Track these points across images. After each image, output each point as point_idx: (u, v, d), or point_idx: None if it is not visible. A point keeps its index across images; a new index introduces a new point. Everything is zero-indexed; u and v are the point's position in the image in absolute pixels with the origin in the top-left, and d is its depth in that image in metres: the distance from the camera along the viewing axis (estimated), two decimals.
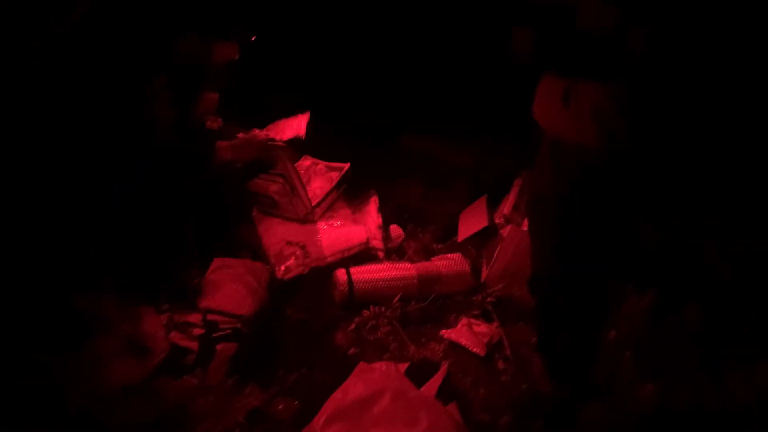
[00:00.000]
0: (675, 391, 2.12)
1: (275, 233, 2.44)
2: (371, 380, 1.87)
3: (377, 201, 2.75)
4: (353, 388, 1.84)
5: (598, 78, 1.39)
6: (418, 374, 2.01)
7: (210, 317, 1.97)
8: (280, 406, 1.86)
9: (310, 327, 2.27)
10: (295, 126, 2.41)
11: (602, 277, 1.86)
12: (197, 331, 1.92)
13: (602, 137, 1.44)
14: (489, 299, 2.50)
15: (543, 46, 1.41)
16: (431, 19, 2.99)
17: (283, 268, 2.33)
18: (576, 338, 2.00)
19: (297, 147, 2.67)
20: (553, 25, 1.36)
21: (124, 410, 1.71)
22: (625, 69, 1.34)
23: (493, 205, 2.88)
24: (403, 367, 2.03)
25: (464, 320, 2.40)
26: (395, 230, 2.74)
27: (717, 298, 2.38)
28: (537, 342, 2.14)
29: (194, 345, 1.89)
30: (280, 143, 2.36)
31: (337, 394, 1.82)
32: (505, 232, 2.65)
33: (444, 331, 2.33)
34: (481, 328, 2.37)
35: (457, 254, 2.60)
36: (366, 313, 2.30)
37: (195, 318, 1.96)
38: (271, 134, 2.38)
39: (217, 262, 2.19)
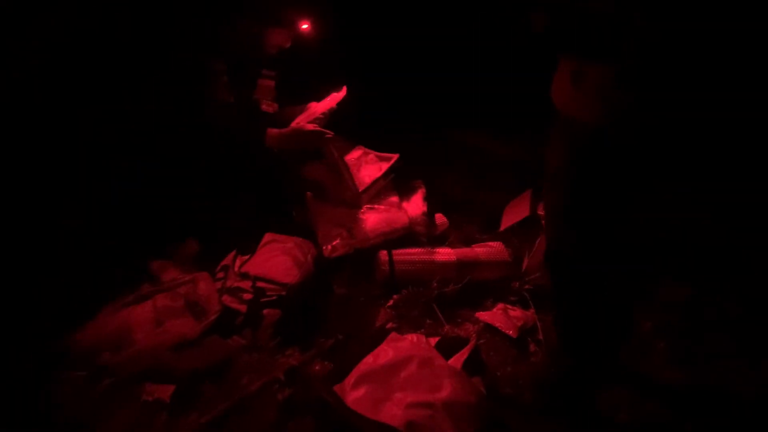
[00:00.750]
0: (707, 378, 2.14)
1: (324, 216, 2.63)
2: (401, 348, 2.00)
3: (424, 190, 2.88)
4: (383, 354, 1.98)
5: (603, 59, 1.49)
6: (448, 348, 2.12)
7: (259, 284, 2.17)
8: (317, 367, 2.03)
9: (351, 302, 2.43)
10: (330, 100, 2.57)
11: (617, 253, 1.89)
12: (246, 296, 2.12)
13: (606, 114, 1.54)
14: (527, 287, 2.58)
15: (555, 30, 1.52)
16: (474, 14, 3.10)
17: (329, 247, 2.51)
18: (606, 325, 2.07)
19: (347, 136, 2.84)
20: (562, 8, 1.46)
21: (180, 359, 1.92)
22: (628, 51, 1.43)
23: (539, 199, 2.95)
24: (434, 340, 2.16)
25: (501, 305, 2.49)
26: (440, 218, 2.86)
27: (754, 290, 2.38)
28: (553, 319, 2.19)
29: (243, 308, 2.10)
30: (328, 134, 2.52)
31: (368, 359, 1.97)
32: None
33: (479, 313, 2.43)
34: (517, 313, 2.45)
35: (498, 243, 2.70)
36: (405, 292, 2.44)
37: (245, 285, 2.17)
38: (311, 110, 2.54)
39: (268, 236, 2.40)
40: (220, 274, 2.26)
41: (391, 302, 2.43)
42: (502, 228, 2.84)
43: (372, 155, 2.87)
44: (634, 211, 1.79)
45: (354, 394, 1.87)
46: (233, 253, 2.35)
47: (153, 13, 2.36)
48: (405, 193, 2.86)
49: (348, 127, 2.78)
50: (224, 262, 2.32)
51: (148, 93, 2.36)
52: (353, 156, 2.83)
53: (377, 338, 2.09)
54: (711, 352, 2.27)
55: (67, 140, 2.01)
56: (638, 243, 2.25)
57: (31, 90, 1.89)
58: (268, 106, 2.66)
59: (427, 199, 2.88)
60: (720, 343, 2.30)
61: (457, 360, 2.06)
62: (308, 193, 2.71)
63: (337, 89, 2.61)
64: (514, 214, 2.86)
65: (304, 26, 2.60)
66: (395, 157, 2.82)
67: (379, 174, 2.74)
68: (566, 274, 1.92)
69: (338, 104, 2.58)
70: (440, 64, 3.51)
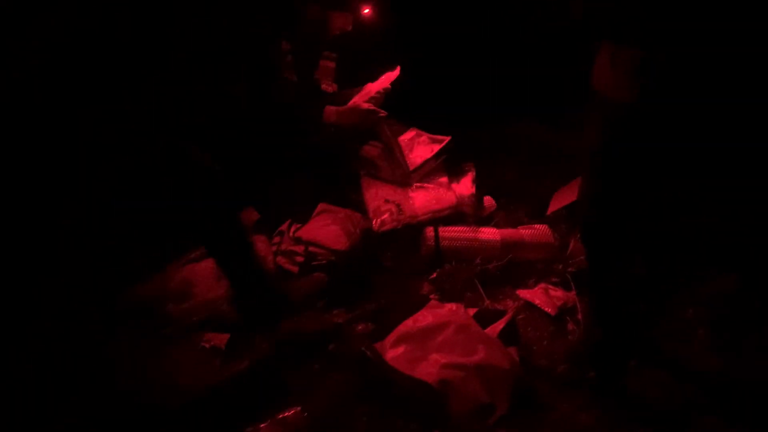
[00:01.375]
0: (745, 368, 2.14)
1: (375, 192, 2.76)
2: (439, 314, 2.12)
3: (474, 173, 2.97)
4: (423, 318, 2.10)
5: (634, 44, 1.59)
6: (485, 318, 2.21)
7: (311, 249, 2.33)
8: (360, 327, 2.17)
9: (395, 274, 2.56)
10: (384, 80, 2.70)
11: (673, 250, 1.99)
12: (299, 259, 2.29)
13: (636, 93, 1.63)
14: (570, 269, 2.63)
15: (592, 15, 1.63)
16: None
17: (378, 221, 2.64)
18: (649, 311, 2.12)
19: (401, 117, 2.96)
20: None
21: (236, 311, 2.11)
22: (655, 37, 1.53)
23: None
24: (472, 310, 2.25)
25: (542, 285, 2.56)
26: (488, 200, 2.94)
27: None
28: (589, 296, 2.24)
29: (295, 269, 2.26)
30: (382, 113, 2.64)
31: (408, 321, 2.09)
32: None
33: (520, 290, 2.51)
34: (558, 293, 2.51)
35: (544, 225, 2.76)
36: (447, 267, 2.54)
37: (299, 248, 2.34)
38: (366, 89, 2.67)
39: (321, 206, 2.56)
40: (276, 239, 2.44)
41: (434, 275, 2.53)
42: (549, 212, 2.90)
43: (425, 137, 2.98)
44: (667, 195, 1.84)
45: (392, 352, 2.00)
46: (289, 221, 2.51)
47: None
48: (455, 174, 2.95)
49: (403, 108, 2.89)
50: (280, 229, 2.49)
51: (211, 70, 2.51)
52: (406, 137, 2.94)
53: (418, 305, 2.21)
54: (753, 344, 2.26)
55: (68, 138, 2.02)
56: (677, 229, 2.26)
57: (31, 90, 1.89)
58: (327, 86, 2.81)
59: (477, 182, 2.97)
60: (764, 336, 2.28)
61: (493, 329, 2.15)
62: (361, 170, 2.85)
63: (392, 69, 2.73)
64: (562, 199, 2.91)
65: (366, 11, 2.73)
66: (447, 139, 2.92)
67: (430, 155, 2.85)
68: (600, 251, 1.97)
69: (392, 84, 2.70)
70: (493, 56, 3.56)
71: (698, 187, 2.46)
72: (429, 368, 1.94)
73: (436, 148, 2.88)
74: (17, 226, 1.90)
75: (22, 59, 1.87)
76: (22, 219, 1.91)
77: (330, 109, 2.62)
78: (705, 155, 1.90)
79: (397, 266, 2.61)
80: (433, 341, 2.02)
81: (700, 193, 2.31)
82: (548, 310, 2.40)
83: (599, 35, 1.69)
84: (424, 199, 2.71)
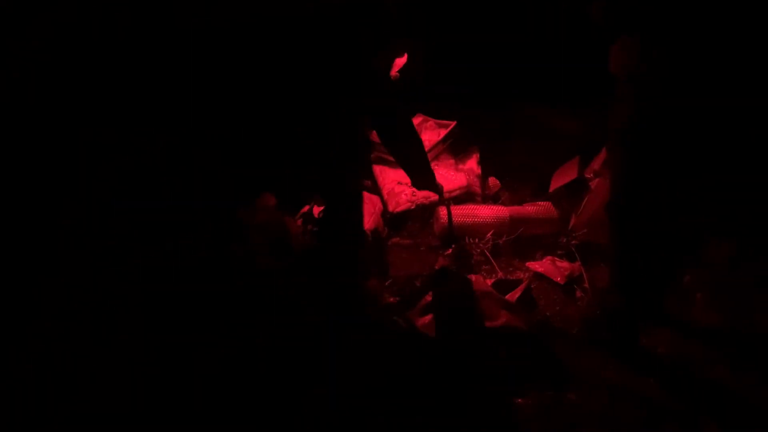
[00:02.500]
0: (742, 323, 2.33)
1: (388, 176, 2.90)
2: (461, 283, 2.27)
3: (478, 155, 3.12)
4: (446, 288, 2.25)
5: (648, 33, 1.80)
6: (503, 288, 2.38)
7: None
8: (390, 299, 2.31)
9: (414, 250, 2.70)
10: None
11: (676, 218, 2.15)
12: None
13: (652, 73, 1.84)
14: (573, 242, 2.80)
15: (611, 17, 1.86)
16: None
17: (393, 203, 2.78)
18: (651, 276, 2.28)
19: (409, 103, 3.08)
20: None
21: (270, 288, 2.23)
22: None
23: (586, 164, 3.16)
24: (489, 281, 2.41)
25: (549, 257, 2.72)
26: (493, 181, 3.10)
27: None
28: (610, 266, 2.39)
29: None
30: None
31: (434, 292, 2.24)
32: (594, 184, 2.93)
33: (529, 263, 2.67)
34: (564, 264, 2.67)
35: (547, 202, 2.92)
36: (461, 243, 2.70)
37: None
38: None
39: None
40: (300, 221, 2.56)
41: (449, 251, 2.68)
42: (551, 189, 3.06)
43: (431, 122, 3.13)
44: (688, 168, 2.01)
45: (422, 320, 2.15)
46: (308, 206, 2.64)
47: None
48: (461, 157, 3.11)
49: (410, 94, 3.02)
50: (304, 210, 2.62)
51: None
52: (414, 122, 3.07)
53: (438, 277, 2.36)
54: (749, 303, 2.44)
55: (68, 137, 2.01)
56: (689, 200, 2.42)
57: (31, 90, 1.88)
58: None
59: (482, 163, 3.12)
60: (760, 297, 2.47)
61: (512, 296, 2.31)
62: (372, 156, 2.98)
63: (399, 56, 2.83)
64: (562, 177, 3.07)
65: None
66: (453, 123, 3.06)
67: (438, 139, 2.99)
68: (625, 223, 2.14)
69: (400, 71, 2.81)
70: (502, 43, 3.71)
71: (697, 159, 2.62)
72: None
73: (443, 132, 3.02)
74: (17, 225, 1.89)
75: (22, 59, 1.86)
76: (23, 218, 1.90)
77: None
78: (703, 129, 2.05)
79: (414, 244, 2.75)
80: (458, 309, 2.17)
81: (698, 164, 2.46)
82: (558, 279, 2.56)
83: (618, 30, 1.89)
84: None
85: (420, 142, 2.30)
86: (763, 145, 2.60)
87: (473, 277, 2.36)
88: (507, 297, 2.28)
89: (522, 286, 2.33)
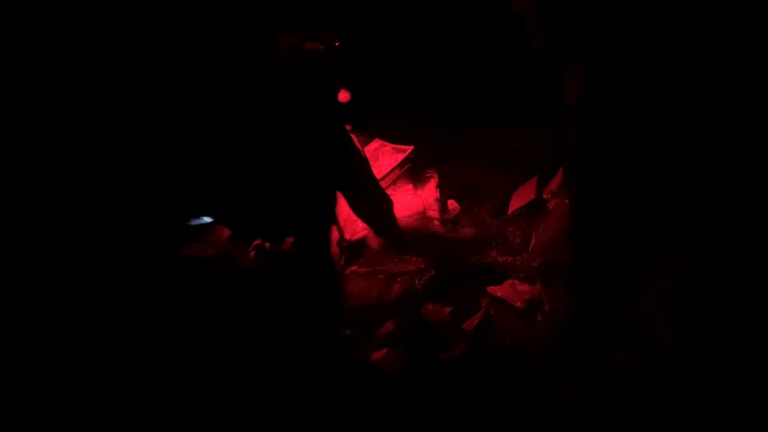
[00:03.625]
0: (702, 336, 2.31)
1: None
2: (418, 316, 2.22)
3: (437, 178, 3.10)
4: (403, 319, 2.20)
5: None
6: (461, 316, 2.34)
7: None
8: (347, 332, 2.25)
9: (371, 280, 2.65)
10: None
11: (635, 226, 2.14)
12: None
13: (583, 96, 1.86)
14: (533, 264, 2.78)
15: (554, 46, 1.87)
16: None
17: (350, 230, 2.73)
18: (612, 293, 2.25)
19: (364, 130, 3.07)
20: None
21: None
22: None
23: (544, 184, 3.15)
24: (448, 309, 2.37)
25: (510, 281, 2.69)
26: (451, 204, 3.07)
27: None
28: (571, 287, 2.37)
29: None
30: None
31: (389, 323, 2.19)
32: (552, 205, 2.92)
33: (489, 287, 2.64)
34: (524, 287, 2.64)
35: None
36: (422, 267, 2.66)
37: None
38: None
39: None
40: (252, 254, 2.49)
41: (407, 278, 2.64)
42: (510, 211, 3.04)
43: (389, 147, 3.10)
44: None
45: (377, 355, 2.10)
46: (259, 240, 2.58)
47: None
48: (419, 181, 3.08)
49: (365, 121, 3.00)
50: (256, 243, 2.56)
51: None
52: (370, 147, 3.05)
53: (396, 308, 2.31)
54: (708, 319, 2.42)
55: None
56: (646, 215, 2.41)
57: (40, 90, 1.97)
58: None
59: (440, 186, 3.09)
60: (718, 311, 2.45)
61: (469, 325, 2.26)
62: None
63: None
64: (521, 198, 3.06)
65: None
66: (410, 148, 3.03)
67: (395, 164, 2.96)
68: (583, 244, 2.12)
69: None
70: (458, 62, 3.71)
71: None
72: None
73: (400, 157, 2.99)
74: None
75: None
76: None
77: None
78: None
79: (371, 272, 2.70)
80: (414, 340, 2.12)
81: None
82: (517, 304, 2.52)
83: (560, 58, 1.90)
84: None
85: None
86: (717, 153, 2.64)
87: (430, 306, 2.31)
88: (464, 326, 2.24)
89: (480, 314, 2.29)
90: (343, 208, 2.84)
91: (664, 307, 2.48)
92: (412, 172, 3.17)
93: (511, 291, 2.60)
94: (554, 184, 3.03)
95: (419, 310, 2.29)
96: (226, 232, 2.75)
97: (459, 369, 2.04)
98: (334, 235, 2.69)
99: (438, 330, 2.16)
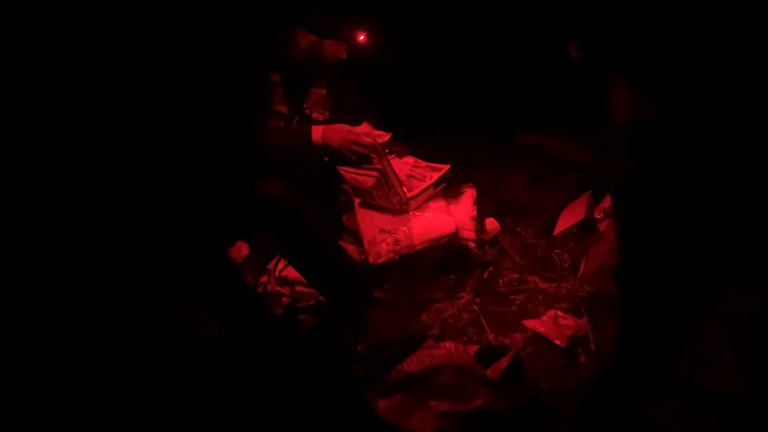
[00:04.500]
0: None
1: (371, 222, 2.62)
2: (437, 356, 1.97)
3: (474, 194, 2.82)
4: (418, 361, 1.95)
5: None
6: (487, 357, 2.06)
7: (297, 288, 2.20)
8: (359, 372, 2.02)
9: (394, 308, 2.41)
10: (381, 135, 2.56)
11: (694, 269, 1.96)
12: (285, 300, 2.16)
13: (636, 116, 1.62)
14: (581, 294, 2.46)
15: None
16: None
17: (374, 253, 2.50)
18: (667, 336, 1.98)
19: (399, 142, 2.84)
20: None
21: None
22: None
23: (596, 202, 2.82)
24: (473, 349, 2.10)
25: (551, 312, 2.39)
26: (491, 223, 2.79)
27: None
28: (622, 336, 2.09)
29: (280, 312, 2.13)
30: (375, 136, 2.50)
31: (403, 365, 1.95)
32: (603, 226, 2.59)
33: (527, 320, 2.35)
34: (568, 321, 2.34)
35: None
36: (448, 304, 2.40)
37: (285, 289, 2.21)
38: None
39: None
40: (264, 278, 2.31)
41: (436, 308, 2.39)
42: (556, 232, 2.74)
43: (423, 165, 2.84)
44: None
45: (385, 402, 1.86)
46: (277, 257, 2.39)
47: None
48: (454, 197, 2.81)
49: (400, 125, 2.76)
50: (269, 266, 2.38)
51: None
52: (404, 166, 2.80)
53: (415, 344, 2.07)
54: None
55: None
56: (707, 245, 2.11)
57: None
58: (319, 114, 2.69)
59: (479, 202, 2.82)
60: None
61: (496, 368, 1.99)
62: (356, 199, 2.72)
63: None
64: (570, 217, 2.75)
65: (361, 37, 2.61)
66: (446, 167, 2.77)
67: (429, 183, 2.70)
68: (639, 281, 1.89)
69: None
70: (502, 66, 3.43)
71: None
72: (425, 417, 1.80)
73: (435, 176, 2.73)
74: None
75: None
76: None
77: (317, 129, 2.49)
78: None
79: (395, 300, 2.46)
80: (429, 386, 1.88)
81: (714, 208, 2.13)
82: (557, 341, 2.23)
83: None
84: (421, 226, 2.56)
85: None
86: None
87: (451, 345, 2.05)
88: (490, 369, 1.97)
89: (509, 356, 2.01)
90: (370, 227, 2.62)
91: (729, 350, 2.15)
92: (449, 186, 2.90)
93: (552, 326, 2.31)
94: (607, 201, 2.69)
95: (439, 349, 2.01)
96: (246, 248, 2.59)
97: (479, 425, 1.76)
98: (356, 257, 2.47)
99: (458, 375, 1.89)
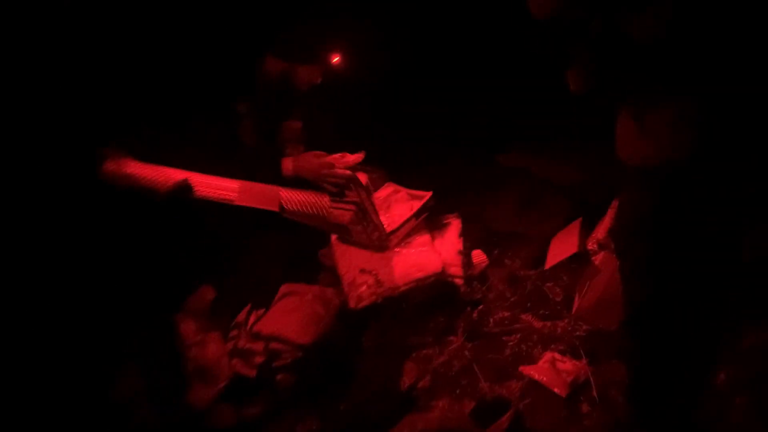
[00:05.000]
0: None
1: (350, 260, 2.43)
2: (430, 419, 1.81)
3: (459, 225, 2.64)
4: (410, 426, 1.77)
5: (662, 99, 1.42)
6: (485, 415, 1.88)
7: (272, 345, 1.99)
8: None
9: (379, 356, 2.21)
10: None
11: (702, 304, 1.78)
12: (258, 360, 1.94)
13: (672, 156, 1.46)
14: (578, 333, 2.30)
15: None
16: None
17: (355, 296, 2.31)
18: (675, 378, 1.83)
19: (377, 168, 2.66)
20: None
21: None
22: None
23: (591, 228, 2.65)
24: (469, 406, 1.92)
25: (548, 355, 2.22)
26: (478, 256, 2.61)
27: None
28: (627, 381, 1.93)
29: (252, 373, 1.92)
30: (349, 167, 2.31)
31: None
32: (598, 259, 2.43)
33: (523, 367, 2.17)
34: (567, 365, 2.17)
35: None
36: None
37: (258, 346, 1.99)
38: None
39: (285, 287, 2.22)
40: (234, 332, 2.09)
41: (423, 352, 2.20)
42: (547, 266, 2.57)
43: (403, 192, 2.67)
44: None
45: None
46: (247, 307, 2.17)
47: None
48: (438, 229, 2.62)
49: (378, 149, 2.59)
50: (237, 319, 2.15)
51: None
52: (382, 194, 2.63)
53: (405, 401, 1.87)
54: None
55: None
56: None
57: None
58: (293, 149, 2.50)
59: (464, 234, 2.64)
60: None
61: (496, 430, 1.80)
62: (333, 235, 2.52)
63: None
64: (561, 249, 2.58)
65: (336, 59, 2.44)
66: (428, 195, 2.59)
67: (410, 213, 2.52)
68: (652, 331, 1.75)
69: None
70: (484, 80, 3.24)
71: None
72: None
73: (416, 205, 2.55)
74: None
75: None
76: None
77: (287, 161, 2.29)
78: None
79: (381, 346, 2.26)
80: None
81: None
82: (557, 390, 2.06)
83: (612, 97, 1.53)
84: (405, 265, 2.38)
85: None
86: None
87: (444, 404, 1.85)
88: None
89: (509, 415, 1.84)
90: (349, 267, 2.42)
91: (746, 391, 1.99)
92: (432, 216, 2.71)
93: (551, 371, 2.14)
94: (601, 231, 2.53)
95: (432, 411, 1.82)
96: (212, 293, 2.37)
97: None
98: (334, 304, 2.26)
99: None
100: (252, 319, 2.12)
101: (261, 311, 2.15)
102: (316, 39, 2.41)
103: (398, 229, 2.46)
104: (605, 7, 1.37)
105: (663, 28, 1.32)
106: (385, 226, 2.44)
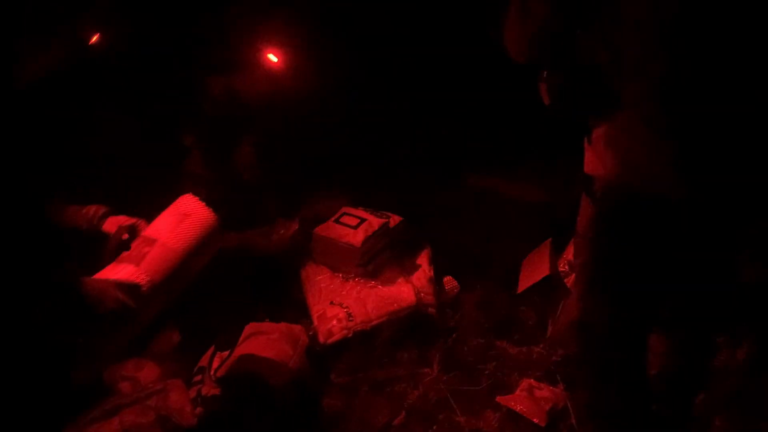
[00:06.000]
0: None
1: (319, 293, 2.36)
2: None
3: (429, 252, 2.60)
4: None
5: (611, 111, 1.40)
6: None
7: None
8: None
9: (352, 394, 2.13)
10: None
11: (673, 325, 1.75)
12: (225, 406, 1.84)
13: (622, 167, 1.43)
14: (554, 357, 2.26)
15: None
16: None
17: (325, 331, 2.22)
18: (653, 402, 1.78)
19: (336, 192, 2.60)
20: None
21: None
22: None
23: (561, 249, 2.63)
24: None
25: (525, 383, 2.18)
26: (449, 282, 2.56)
27: None
28: (589, 405, 1.87)
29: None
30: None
31: None
32: (570, 281, 2.40)
33: (500, 397, 2.11)
34: (544, 392, 2.13)
35: None
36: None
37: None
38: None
39: (249, 328, 2.11)
40: (198, 377, 1.98)
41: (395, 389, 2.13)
42: (519, 290, 2.53)
43: (364, 211, 2.59)
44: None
45: None
46: (211, 350, 2.07)
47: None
48: (408, 256, 2.56)
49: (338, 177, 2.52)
50: (202, 362, 2.05)
51: None
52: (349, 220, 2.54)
53: None
54: None
55: None
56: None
57: None
58: (250, 176, 2.42)
59: (435, 261, 2.59)
60: None
61: None
62: (302, 268, 2.44)
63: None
64: (532, 272, 2.55)
65: (273, 59, 2.37)
66: (398, 219, 2.54)
67: (375, 229, 2.46)
68: (598, 348, 1.69)
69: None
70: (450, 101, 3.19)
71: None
72: None
73: (378, 222, 2.49)
74: None
75: None
76: None
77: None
78: None
79: (353, 383, 2.17)
80: None
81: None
82: (536, 420, 2.01)
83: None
84: (377, 298, 2.31)
85: None
86: None
87: None
88: None
89: None
90: (318, 299, 2.34)
91: (723, 410, 1.99)
92: (400, 243, 2.65)
93: (528, 400, 2.10)
94: (571, 252, 2.50)
95: None
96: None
97: None
98: (306, 337, 2.17)
99: None
100: (216, 362, 2.01)
101: (225, 353, 2.04)
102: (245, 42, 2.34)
103: (369, 260, 2.39)
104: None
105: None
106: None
